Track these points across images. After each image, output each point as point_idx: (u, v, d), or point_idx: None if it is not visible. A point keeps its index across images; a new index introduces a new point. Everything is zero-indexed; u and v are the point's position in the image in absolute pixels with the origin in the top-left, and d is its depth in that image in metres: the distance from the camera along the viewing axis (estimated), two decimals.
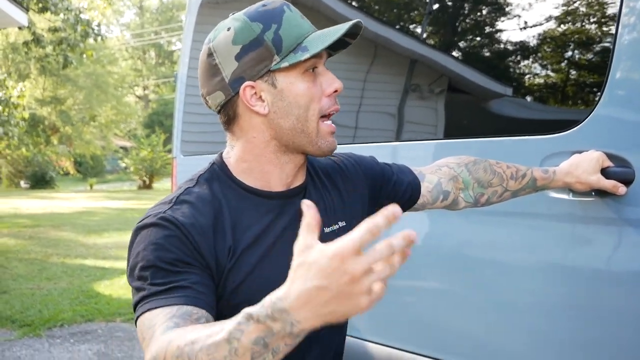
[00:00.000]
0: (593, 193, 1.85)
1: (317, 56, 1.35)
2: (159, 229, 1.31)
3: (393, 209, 0.91)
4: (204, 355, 1.04)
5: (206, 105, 1.44)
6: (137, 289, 1.30)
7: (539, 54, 2.16)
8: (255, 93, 1.37)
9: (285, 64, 1.33)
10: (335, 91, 1.38)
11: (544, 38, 2.13)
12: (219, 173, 1.44)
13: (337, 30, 1.34)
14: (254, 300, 1.31)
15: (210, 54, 1.39)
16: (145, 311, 1.25)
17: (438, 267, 2.29)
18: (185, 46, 4.26)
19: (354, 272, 0.89)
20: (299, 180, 1.47)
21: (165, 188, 29.28)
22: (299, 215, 1.42)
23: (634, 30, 1.81)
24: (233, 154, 1.44)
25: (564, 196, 1.93)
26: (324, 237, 1.46)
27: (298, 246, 0.96)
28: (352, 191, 1.58)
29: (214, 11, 4.22)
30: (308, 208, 0.96)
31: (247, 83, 1.36)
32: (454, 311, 2.24)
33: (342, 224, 1.53)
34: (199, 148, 4.20)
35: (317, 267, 0.91)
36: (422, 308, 2.33)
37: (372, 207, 1.62)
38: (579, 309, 1.94)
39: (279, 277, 1.34)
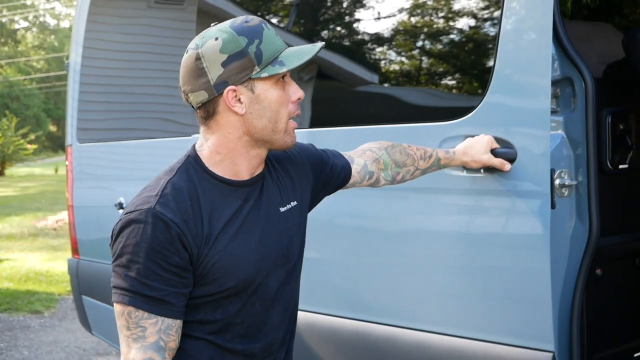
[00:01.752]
0: (482, 170, 2.25)
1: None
2: (151, 227, 1.53)
3: None
4: None
5: (185, 100, 1.67)
6: (121, 276, 1.55)
7: (428, 48, 2.55)
8: (236, 96, 1.62)
9: (264, 74, 1.60)
10: (298, 99, 1.67)
11: (434, 34, 2.52)
12: (194, 164, 1.66)
13: (310, 51, 1.63)
14: (227, 274, 1.64)
15: (198, 58, 1.61)
16: (131, 304, 1.53)
17: (352, 238, 2.65)
18: (78, 36, 4.32)
19: None
20: (260, 169, 1.74)
21: (19, 174, 28.20)
22: (258, 198, 1.73)
23: (515, 27, 2.18)
24: (207, 147, 1.67)
25: (460, 173, 2.33)
26: (280, 215, 1.77)
27: None
28: (299, 175, 1.87)
29: (108, 2, 4.35)
30: None
31: (230, 87, 1.61)
32: (367, 276, 2.60)
33: (294, 203, 1.82)
34: (97, 135, 4.33)
35: None
36: (339, 275, 2.69)
37: (316, 187, 1.94)
38: (469, 267, 2.34)
39: (247, 252, 1.67)
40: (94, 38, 4.29)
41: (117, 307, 1.56)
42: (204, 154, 1.67)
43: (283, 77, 1.65)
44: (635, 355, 2.49)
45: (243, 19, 1.64)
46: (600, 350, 2.30)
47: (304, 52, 1.63)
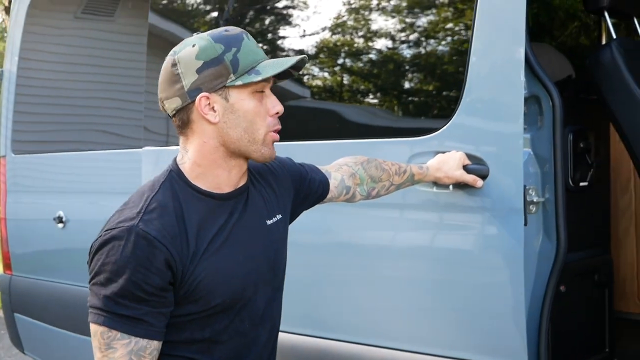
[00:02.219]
0: (451, 186, 2.26)
1: (266, 80, 1.59)
2: (132, 245, 1.46)
3: None
4: None
5: (161, 108, 1.63)
6: (97, 295, 1.48)
7: (405, 66, 2.56)
8: (209, 104, 1.57)
9: (239, 82, 1.55)
10: (277, 113, 1.62)
11: (410, 54, 2.53)
12: (176, 179, 1.61)
13: (287, 62, 1.59)
14: (214, 291, 1.58)
15: (174, 64, 1.58)
16: (104, 324, 1.46)
17: (317, 254, 2.61)
18: (14, 44, 4.19)
19: None
20: (243, 181, 1.69)
21: None
22: (243, 211, 1.68)
23: (485, 48, 2.22)
24: (187, 159, 1.62)
25: (429, 189, 2.32)
26: (267, 228, 1.72)
27: None
28: (281, 188, 1.83)
29: (45, 12, 4.22)
30: None
31: (203, 94, 1.56)
32: (331, 293, 2.57)
33: (279, 216, 1.78)
34: (33, 146, 4.18)
35: None
36: (302, 292, 2.64)
37: (295, 202, 1.90)
38: (439, 283, 2.33)
39: (234, 267, 1.62)
40: (30, 48, 4.16)
41: (92, 327, 1.49)
42: (186, 167, 1.62)
43: (263, 90, 1.61)
44: None
45: (223, 28, 1.61)
46: None
47: (281, 62, 1.59)
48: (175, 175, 1.61)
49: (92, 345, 1.49)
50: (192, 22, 3.30)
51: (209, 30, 1.63)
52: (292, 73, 1.69)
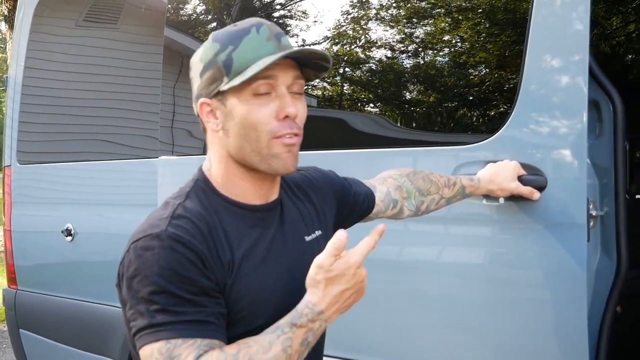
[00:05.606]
0: (502, 199, 2.09)
1: (267, 77, 1.37)
2: (169, 251, 1.31)
3: (378, 227, 1.35)
4: None
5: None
6: (143, 313, 1.30)
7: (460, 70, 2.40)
8: (212, 110, 1.43)
9: (227, 86, 1.37)
10: (287, 116, 1.39)
11: (458, 60, 2.37)
12: (203, 187, 1.46)
13: (271, 57, 1.35)
14: (256, 311, 1.41)
15: (189, 68, 1.46)
16: (161, 339, 1.28)
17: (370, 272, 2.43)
18: (20, 48, 4.05)
19: (362, 274, 1.33)
20: (274, 195, 1.52)
21: None
22: (280, 227, 1.52)
23: (541, 51, 2.06)
24: (212, 167, 1.48)
25: (479, 201, 2.14)
26: (306, 245, 1.56)
27: (322, 262, 1.31)
28: (323, 202, 1.67)
29: (53, 12, 4.06)
30: (340, 240, 1.30)
31: (202, 100, 1.42)
32: (377, 311, 2.39)
33: (319, 232, 1.61)
34: (40, 156, 4.01)
35: (343, 277, 1.31)
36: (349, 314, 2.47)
37: (339, 217, 1.73)
38: (496, 304, 2.16)
39: (276, 286, 1.45)
40: (36, 57, 4.02)
41: (146, 350, 1.30)
42: (212, 175, 1.48)
43: (270, 91, 1.39)
44: None
45: (237, 22, 1.44)
46: None
47: (270, 57, 1.36)
48: (201, 184, 1.47)
49: None
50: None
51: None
52: (324, 65, 1.45)
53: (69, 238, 3.58)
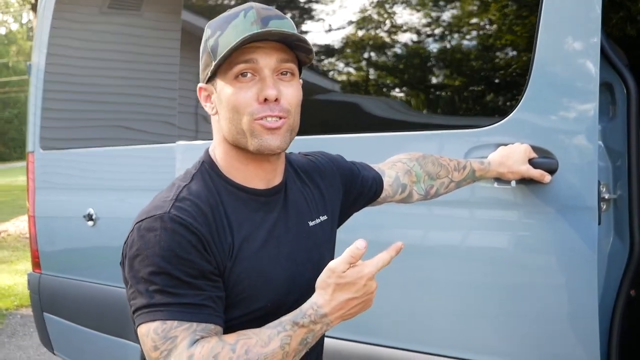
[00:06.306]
0: (514, 182, 2.07)
1: (247, 62, 1.39)
2: (170, 233, 1.33)
3: (396, 244, 1.36)
4: None
5: None
6: (142, 292, 1.34)
7: (466, 56, 2.38)
8: (209, 95, 1.49)
9: (210, 71, 1.43)
10: (265, 99, 1.40)
11: (473, 46, 2.35)
12: (209, 170, 1.48)
13: (237, 42, 1.36)
14: (256, 294, 1.43)
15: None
16: (157, 319, 1.32)
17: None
18: (43, 35, 4.08)
19: (373, 286, 1.34)
20: (278, 179, 1.54)
21: None
22: (283, 211, 1.53)
23: (554, 34, 2.04)
24: (217, 150, 1.50)
25: (490, 184, 2.14)
26: (310, 230, 1.58)
27: (335, 267, 1.31)
28: (329, 187, 1.68)
29: (72, 6, 4.08)
30: (358, 249, 1.30)
31: (200, 85, 1.49)
32: (390, 296, 2.38)
33: (323, 217, 1.63)
34: (63, 142, 4.05)
35: (353, 286, 1.32)
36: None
37: (346, 202, 1.74)
38: (506, 287, 2.16)
39: (276, 269, 1.47)
40: (58, 44, 4.04)
41: (142, 329, 1.33)
42: (217, 158, 1.51)
43: (251, 73, 1.41)
44: None
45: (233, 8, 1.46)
46: None
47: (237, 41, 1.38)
48: (207, 166, 1.50)
49: (142, 350, 1.36)
50: None
51: None
52: (302, 48, 1.44)
53: (91, 223, 3.62)
